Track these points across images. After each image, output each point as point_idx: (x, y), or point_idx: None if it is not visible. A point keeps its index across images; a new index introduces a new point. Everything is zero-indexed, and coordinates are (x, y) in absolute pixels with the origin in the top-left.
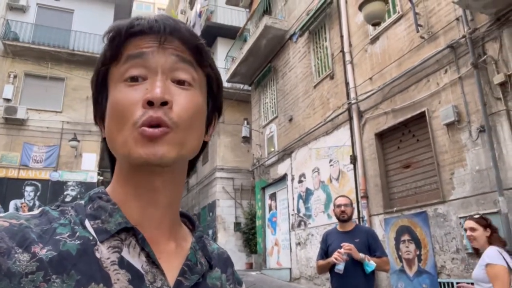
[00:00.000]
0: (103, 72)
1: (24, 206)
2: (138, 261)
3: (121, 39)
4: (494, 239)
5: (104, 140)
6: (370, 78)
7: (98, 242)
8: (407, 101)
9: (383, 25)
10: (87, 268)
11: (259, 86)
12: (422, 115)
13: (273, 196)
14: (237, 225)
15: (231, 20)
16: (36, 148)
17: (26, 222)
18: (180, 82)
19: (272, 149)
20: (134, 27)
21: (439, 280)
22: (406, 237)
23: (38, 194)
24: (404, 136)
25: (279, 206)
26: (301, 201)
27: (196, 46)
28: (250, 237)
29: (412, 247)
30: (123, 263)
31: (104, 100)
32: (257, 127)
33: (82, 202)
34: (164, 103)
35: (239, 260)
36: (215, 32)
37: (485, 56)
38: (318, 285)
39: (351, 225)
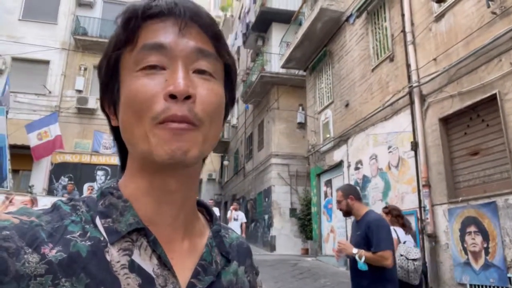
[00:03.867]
0: (115, 56)
1: (91, 189)
2: (149, 264)
3: (137, 22)
4: (392, 221)
5: (113, 128)
6: (434, 59)
7: (108, 244)
8: (475, 83)
9: (449, 1)
10: (97, 272)
11: (314, 71)
12: (492, 98)
13: (328, 183)
14: (292, 211)
15: (286, 4)
16: (106, 135)
17: (37, 219)
18: (201, 72)
19: (328, 135)
20: (151, 8)
21: (508, 275)
22: (472, 228)
23: (108, 177)
24: (472, 121)
25: (335, 193)
26: (358, 188)
27: (216, 33)
28: (306, 223)
29: (478, 239)
30: (133, 267)
31: (116, 88)
32: (312, 113)
33: (95, 196)
34: (188, 97)
35: (294, 246)
36: (270, 17)
37: None
38: None
39: (360, 215)
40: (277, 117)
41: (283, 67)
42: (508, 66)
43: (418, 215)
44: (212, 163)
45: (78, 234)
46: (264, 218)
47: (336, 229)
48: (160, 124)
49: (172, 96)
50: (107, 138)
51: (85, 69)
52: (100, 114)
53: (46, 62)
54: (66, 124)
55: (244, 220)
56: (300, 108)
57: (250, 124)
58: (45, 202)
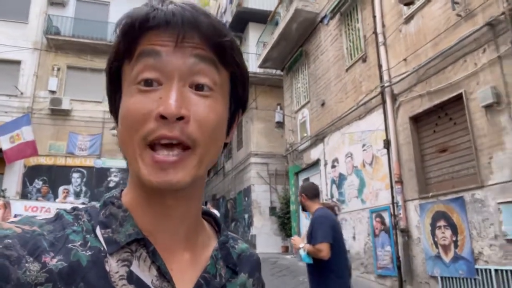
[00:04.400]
0: (115, 67)
1: (66, 192)
2: (148, 276)
3: (135, 34)
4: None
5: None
6: (405, 60)
7: (107, 254)
8: (443, 83)
9: (418, 3)
10: (96, 282)
11: (290, 71)
12: (459, 97)
13: (306, 181)
14: (272, 209)
15: (263, 4)
16: (81, 137)
17: (40, 228)
18: (199, 87)
19: (305, 134)
20: (149, 20)
21: (476, 266)
22: (442, 222)
23: (84, 180)
24: (441, 119)
25: None
26: (334, 186)
27: (219, 44)
28: (285, 221)
29: (448, 233)
30: (132, 278)
31: (118, 99)
32: (289, 112)
33: (98, 205)
34: (180, 118)
35: (275, 244)
36: (247, 17)
37: None
38: (353, 269)
39: (311, 212)
40: (256, 117)
41: (260, 67)
42: (473, 66)
43: (392, 211)
44: None
45: (79, 243)
46: (244, 217)
47: None
48: (149, 148)
49: (163, 117)
50: (82, 140)
51: (59, 69)
52: (75, 115)
53: (17, 62)
54: (40, 125)
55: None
56: (278, 107)
57: None
58: (19, 206)
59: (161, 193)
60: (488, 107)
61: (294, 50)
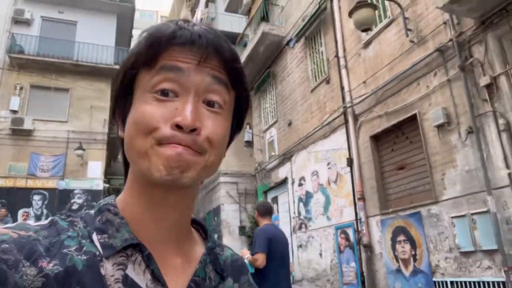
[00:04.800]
0: (131, 74)
1: (26, 215)
2: (142, 279)
3: (160, 48)
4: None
5: (120, 139)
6: (364, 82)
7: (103, 258)
8: (399, 104)
9: (375, 30)
10: (91, 285)
11: (259, 91)
12: (413, 118)
13: (275, 200)
14: (242, 228)
15: (231, 27)
16: (43, 157)
17: (35, 234)
18: (210, 104)
19: (273, 153)
20: (176, 38)
21: (433, 279)
22: (401, 237)
23: (46, 202)
24: (398, 138)
25: (281, 209)
26: (301, 204)
27: (234, 68)
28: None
29: (407, 247)
30: (127, 281)
31: (127, 103)
32: (258, 131)
33: (92, 212)
34: (193, 129)
35: None
36: None
37: (472, 59)
38: (319, 286)
39: None
40: None
41: None
42: (425, 89)
43: (355, 227)
44: None
45: (74, 248)
46: (214, 237)
47: None
48: (162, 144)
49: (179, 127)
50: (45, 160)
51: (21, 88)
52: (37, 135)
53: None
54: (0, 146)
55: None
56: (248, 126)
57: None
58: None
59: (164, 191)
60: (439, 127)
61: (261, 71)
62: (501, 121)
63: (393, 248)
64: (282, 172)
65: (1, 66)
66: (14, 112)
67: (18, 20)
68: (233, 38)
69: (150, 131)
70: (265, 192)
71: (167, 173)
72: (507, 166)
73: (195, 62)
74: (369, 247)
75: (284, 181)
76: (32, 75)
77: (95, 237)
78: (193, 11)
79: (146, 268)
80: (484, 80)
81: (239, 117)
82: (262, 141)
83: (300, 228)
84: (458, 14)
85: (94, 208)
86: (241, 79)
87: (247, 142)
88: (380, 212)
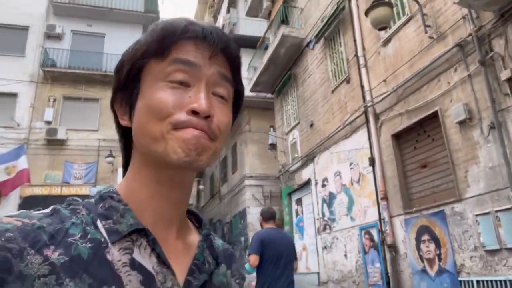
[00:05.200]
0: (141, 63)
1: None
2: (149, 262)
3: (173, 40)
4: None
5: (119, 127)
6: (384, 80)
7: (109, 244)
8: (420, 101)
9: (394, 27)
10: (98, 272)
11: (280, 93)
12: (435, 115)
13: (299, 201)
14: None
15: (253, 31)
16: (76, 165)
17: (39, 221)
18: (218, 95)
19: (296, 155)
20: (188, 32)
21: (459, 278)
22: (426, 237)
23: None
24: (420, 136)
25: (305, 211)
26: (325, 205)
27: (238, 66)
28: None
29: (432, 246)
30: (134, 265)
31: (135, 91)
32: (280, 134)
33: (93, 200)
34: (207, 116)
35: None
36: (238, 43)
37: (492, 53)
38: None
39: None
40: (249, 139)
41: (251, 91)
42: (446, 85)
43: (379, 227)
44: None
45: (79, 236)
46: (241, 240)
47: (308, 247)
48: (178, 129)
49: (195, 112)
50: (78, 168)
51: (54, 100)
52: (70, 144)
53: (14, 95)
54: (35, 156)
55: None
56: (271, 129)
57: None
58: None
59: (174, 175)
60: (461, 123)
61: (283, 73)
62: None
63: (418, 248)
64: (306, 174)
65: (36, 80)
66: (48, 123)
67: (50, 35)
68: (255, 42)
69: (165, 116)
70: (289, 194)
71: (185, 155)
72: None
73: (206, 56)
74: (393, 247)
75: (307, 183)
76: (64, 87)
77: (99, 223)
78: (215, 17)
79: (152, 252)
80: (505, 74)
81: (234, 111)
82: (285, 143)
83: (324, 229)
84: (476, 8)
85: (94, 196)
86: (240, 75)
87: (271, 144)
88: (404, 212)
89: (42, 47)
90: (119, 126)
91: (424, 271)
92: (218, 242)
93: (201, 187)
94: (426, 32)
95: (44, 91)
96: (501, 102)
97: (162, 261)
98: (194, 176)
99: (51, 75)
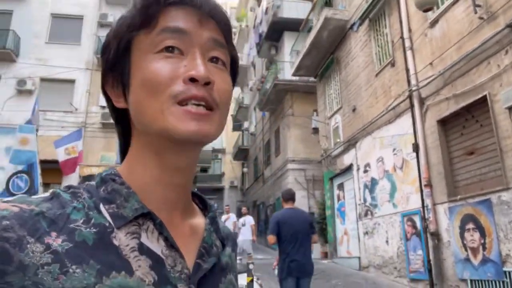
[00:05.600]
0: (127, 37)
1: None
2: (157, 246)
3: (158, 7)
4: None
5: (114, 110)
6: (431, 64)
7: (115, 228)
8: (468, 85)
9: (442, 7)
10: (106, 257)
11: (323, 77)
12: (484, 99)
13: (340, 186)
14: (310, 215)
15: (297, 13)
16: None
17: (37, 207)
18: (215, 61)
19: (338, 140)
20: None
21: (504, 269)
22: (470, 225)
23: None
24: (467, 122)
25: (347, 196)
26: (367, 190)
27: (229, 29)
28: (324, 227)
29: (476, 235)
30: (142, 249)
31: (126, 69)
32: (323, 118)
33: (94, 183)
34: (207, 83)
35: (314, 249)
36: (281, 26)
37: None
38: (386, 273)
39: None
40: (292, 123)
41: (293, 75)
42: (496, 68)
43: (422, 214)
44: (233, 170)
45: (81, 221)
46: (214, 207)
47: (349, 231)
48: (178, 104)
49: (192, 80)
50: None
51: None
52: None
53: (72, 81)
54: (92, 138)
55: (252, 222)
56: (314, 113)
57: (267, 131)
58: None
59: (178, 150)
60: (511, 108)
61: (325, 57)
62: None
63: (462, 236)
64: (347, 159)
65: (91, 66)
66: (103, 107)
67: (103, 24)
68: (298, 24)
69: (162, 89)
70: (331, 179)
71: (187, 126)
72: None
73: (195, 20)
74: (436, 235)
75: (349, 168)
76: None
77: (102, 207)
78: (259, 1)
79: (159, 236)
80: None
81: (233, 79)
82: (327, 128)
83: (366, 215)
84: None
85: (96, 179)
86: (232, 40)
87: (314, 129)
88: (448, 199)
89: (96, 36)
90: (113, 110)
91: (467, 260)
92: (220, 224)
93: (245, 170)
94: (475, 13)
95: (99, 77)
96: None
97: (171, 244)
98: (198, 159)
99: None
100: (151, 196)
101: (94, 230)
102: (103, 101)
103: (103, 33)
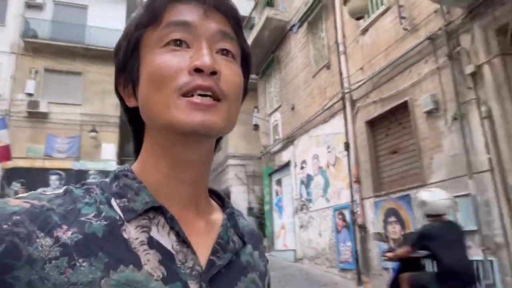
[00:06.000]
0: (136, 36)
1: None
2: (168, 241)
3: (163, 5)
4: None
5: (127, 110)
6: (361, 68)
7: (125, 222)
8: (393, 90)
9: (372, 16)
10: (115, 250)
11: (264, 75)
12: (405, 104)
13: (279, 182)
14: (250, 210)
15: (241, 10)
16: (59, 139)
17: (49, 203)
18: (224, 53)
19: (277, 137)
20: None
21: None
22: (392, 218)
23: (62, 182)
24: (392, 124)
25: (285, 192)
26: (303, 186)
27: (237, 20)
28: (262, 222)
29: (397, 227)
30: (152, 243)
31: (135, 67)
32: (263, 115)
33: (108, 180)
34: (213, 73)
35: None
36: None
37: (459, 48)
38: (319, 264)
39: None
40: None
41: None
42: (417, 76)
43: (351, 208)
44: None
45: (92, 215)
46: (231, 204)
47: (286, 225)
48: (183, 96)
49: (198, 70)
50: (61, 142)
51: (36, 72)
52: (53, 118)
53: None
54: (17, 128)
55: None
56: (256, 110)
57: None
58: None
59: (187, 144)
60: (429, 113)
61: (267, 55)
62: (483, 108)
63: (385, 229)
64: (286, 156)
65: (16, 50)
66: (30, 95)
67: (31, 5)
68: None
69: (168, 82)
70: (270, 175)
71: (192, 121)
72: (488, 152)
73: (201, 13)
74: (363, 228)
75: (287, 164)
76: (46, 59)
77: (113, 202)
78: None
79: (170, 230)
80: (469, 69)
81: (245, 76)
82: (267, 125)
83: (301, 209)
84: (446, 3)
85: (110, 175)
86: (243, 32)
87: (255, 125)
88: (374, 194)
89: (23, 17)
90: (126, 110)
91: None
92: (244, 221)
93: None
94: (401, 24)
95: (25, 63)
96: (464, 95)
97: (182, 240)
98: (212, 154)
99: (32, 46)
100: (163, 191)
101: (105, 222)
102: (30, 88)
103: (31, 14)
